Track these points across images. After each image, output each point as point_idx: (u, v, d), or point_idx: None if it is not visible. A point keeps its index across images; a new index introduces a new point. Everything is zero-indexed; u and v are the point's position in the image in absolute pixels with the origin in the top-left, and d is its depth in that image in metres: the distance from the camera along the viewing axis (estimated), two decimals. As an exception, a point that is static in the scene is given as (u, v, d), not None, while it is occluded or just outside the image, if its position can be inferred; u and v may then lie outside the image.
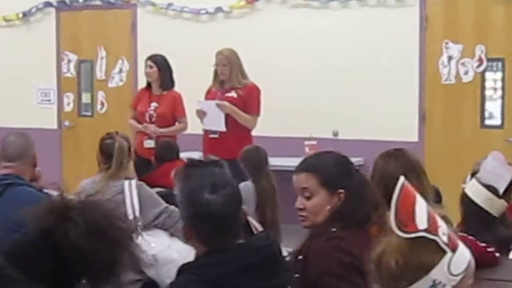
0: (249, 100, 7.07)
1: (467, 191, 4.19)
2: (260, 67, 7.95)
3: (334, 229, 2.89)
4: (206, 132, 7.19)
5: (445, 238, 1.78)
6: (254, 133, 7.33)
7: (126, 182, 4.49)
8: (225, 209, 2.50)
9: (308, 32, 8.09)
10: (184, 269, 2.55)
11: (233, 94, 7.03)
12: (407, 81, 7.73)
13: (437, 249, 1.78)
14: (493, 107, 7.60)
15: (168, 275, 3.98)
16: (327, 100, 8.03)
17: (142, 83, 7.76)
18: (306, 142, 7.67)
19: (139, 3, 8.88)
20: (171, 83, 7.37)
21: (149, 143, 7.05)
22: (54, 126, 9.45)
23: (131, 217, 4.34)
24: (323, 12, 8.05)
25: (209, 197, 2.48)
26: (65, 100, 9.43)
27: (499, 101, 7.55)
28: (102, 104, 9.13)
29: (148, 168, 7.22)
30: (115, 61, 9.03)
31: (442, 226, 1.81)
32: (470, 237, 3.79)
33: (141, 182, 4.73)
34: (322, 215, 2.97)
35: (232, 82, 7.04)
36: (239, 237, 2.55)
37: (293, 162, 8.02)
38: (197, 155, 7.50)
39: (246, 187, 5.83)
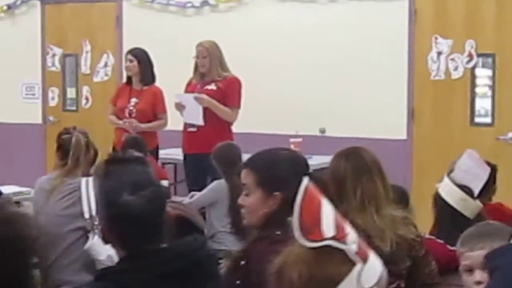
0: (229, 92, 7.03)
1: (440, 191, 4.08)
2: (246, 61, 7.90)
3: (278, 232, 2.75)
4: (186, 126, 7.14)
5: (354, 247, 1.61)
6: (237, 129, 7.26)
7: (84, 180, 4.31)
8: (146, 211, 2.30)
9: (296, 26, 7.97)
10: (101, 275, 2.38)
11: (212, 86, 7.00)
12: (395, 77, 7.58)
13: (345, 260, 1.61)
14: (483, 104, 7.43)
15: None
16: (314, 96, 7.90)
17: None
18: (292, 140, 7.49)
19: None
20: (152, 78, 7.29)
21: None
22: (39, 121, 9.35)
23: (87, 215, 4.19)
24: (311, 6, 7.90)
25: (128, 198, 2.29)
26: (50, 95, 9.32)
27: (490, 98, 7.37)
28: (87, 99, 9.01)
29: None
30: (100, 55, 8.92)
31: (351, 234, 1.64)
32: (439, 241, 3.73)
33: None
34: (256, 217, 2.89)
35: (212, 75, 7.00)
36: (162, 241, 2.37)
37: None
38: (178, 152, 7.49)
39: (220, 185, 5.71)
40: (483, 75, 7.40)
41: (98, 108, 8.81)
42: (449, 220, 3.99)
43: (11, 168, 8.64)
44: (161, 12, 8.62)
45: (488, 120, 7.39)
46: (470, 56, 7.33)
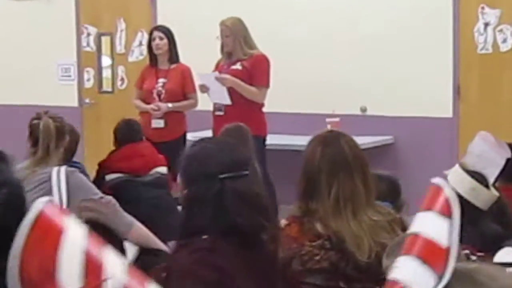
0: (255, 71, 6.84)
1: (449, 179, 3.52)
2: (279, 38, 7.77)
3: (205, 236, 2.52)
4: (214, 109, 7.00)
5: None
6: (271, 109, 7.08)
7: (55, 169, 4.12)
8: None
9: (333, 0, 7.76)
10: None
11: (238, 66, 6.86)
12: (439, 51, 7.33)
13: None
14: None
15: None
16: (354, 73, 7.69)
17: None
18: (328, 120, 7.29)
19: None
20: (177, 56, 7.15)
21: (158, 123, 6.89)
22: (75, 104, 9.29)
23: None
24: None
25: None
26: (86, 76, 9.26)
27: None
28: (122, 79, 8.87)
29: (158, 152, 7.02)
30: (135, 34, 8.79)
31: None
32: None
33: (73, 169, 4.32)
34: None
35: (237, 54, 6.85)
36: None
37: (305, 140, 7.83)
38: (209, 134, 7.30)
39: None
40: None
41: (133, 89, 8.67)
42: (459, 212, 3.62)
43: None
44: None
45: None
46: None
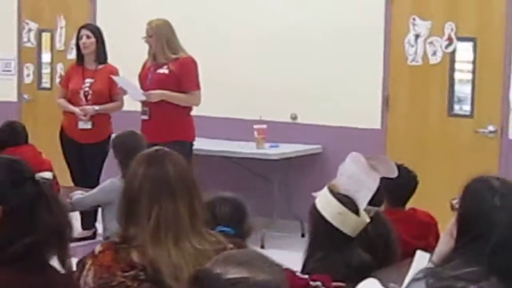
0: (182, 75, 6.72)
1: (317, 202, 3.53)
2: (210, 40, 7.74)
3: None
4: (141, 112, 6.90)
5: None
6: (198, 112, 7.04)
7: None
8: None
9: (264, 5, 7.73)
10: None
11: (164, 70, 6.74)
12: (370, 61, 7.33)
13: None
14: (463, 93, 7.06)
15: None
16: (284, 81, 7.67)
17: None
18: (255, 126, 7.35)
19: None
20: (105, 56, 7.09)
21: (85, 124, 6.86)
22: (14, 99, 9.27)
23: None
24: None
25: None
26: (25, 72, 9.23)
27: (469, 86, 7.00)
28: (61, 76, 8.80)
29: (80, 153, 6.94)
30: (74, 31, 8.67)
31: None
32: (289, 269, 3.10)
33: None
34: None
35: (159, 57, 6.71)
36: None
37: (241, 147, 7.79)
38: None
39: (113, 184, 5.42)
40: (463, 61, 7.02)
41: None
42: (325, 238, 3.46)
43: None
44: None
45: (467, 110, 7.01)
46: (450, 39, 7.00)
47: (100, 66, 7.01)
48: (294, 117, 7.65)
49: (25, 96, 9.16)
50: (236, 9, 7.85)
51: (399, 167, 4.22)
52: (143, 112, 6.82)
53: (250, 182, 7.40)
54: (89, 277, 2.69)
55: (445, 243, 2.64)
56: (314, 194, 3.64)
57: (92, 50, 7.01)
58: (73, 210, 5.40)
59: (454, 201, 2.78)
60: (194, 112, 6.96)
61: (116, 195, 5.21)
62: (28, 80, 9.21)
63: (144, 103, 6.79)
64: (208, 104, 7.22)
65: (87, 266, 2.72)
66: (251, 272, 1.78)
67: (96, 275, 2.69)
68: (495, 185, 2.46)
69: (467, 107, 7.00)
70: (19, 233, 2.31)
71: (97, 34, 7.07)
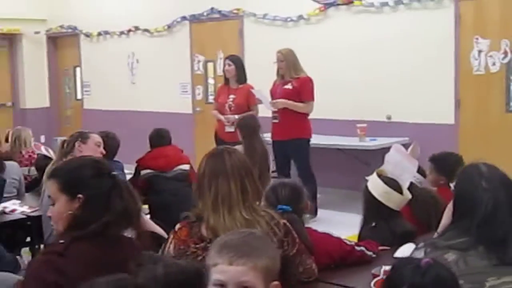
0: (302, 89, 6.94)
1: (368, 184, 3.59)
2: (325, 61, 7.96)
3: (62, 241, 2.32)
4: (272, 117, 7.13)
5: None
6: (315, 116, 7.23)
7: None
8: None
9: (362, 34, 7.87)
10: None
11: (288, 86, 6.97)
12: (445, 72, 7.23)
13: None
14: None
15: None
16: (381, 89, 7.71)
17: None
18: (358, 125, 7.48)
19: (244, 14, 8.94)
20: (245, 78, 7.30)
21: (230, 128, 7.08)
22: (190, 111, 9.78)
23: None
24: (376, 16, 7.76)
25: None
26: (197, 91, 9.71)
27: None
28: (218, 93, 9.35)
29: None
30: (229, 61, 9.20)
31: None
32: (335, 237, 3.25)
33: None
34: (61, 223, 2.40)
35: (287, 76, 6.96)
36: None
37: (347, 141, 7.88)
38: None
39: None
40: None
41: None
42: (375, 212, 3.50)
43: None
44: (269, 26, 8.73)
45: None
46: (505, 53, 6.87)
47: (240, 86, 7.18)
48: (389, 117, 7.67)
49: (197, 108, 9.59)
50: (341, 40, 7.99)
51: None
52: (274, 117, 7.05)
53: (355, 166, 7.47)
54: (170, 248, 2.67)
55: (446, 217, 2.64)
56: (366, 177, 3.67)
57: (233, 74, 7.18)
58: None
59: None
60: (314, 115, 7.13)
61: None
62: (199, 97, 9.64)
63: (274, 111, 7.03)
64: (323, 109, 7.48)
65: (169, 240, 2.71)
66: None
67: (175, 247, 2.67)
68: (483, 171, 2.38)
69: (521, 105, 6.79)
70: (96, 215, 2.34)
71: (236, 62, 7.24)
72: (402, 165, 3.74)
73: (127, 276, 1.76)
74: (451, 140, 7.18)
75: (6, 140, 6.67)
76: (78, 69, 11.55)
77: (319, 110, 7.28)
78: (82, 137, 4.22)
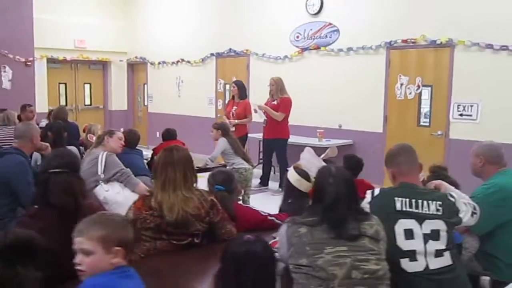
0: (281, 105, 6.87)
1: (288, 173, 3.43)
2: (301, 87, 7.69)
3: (36, 206, 2.30)
4: (263, 122, 7.09)
5: None
6: (293, 123, 7.09)
7: (101, 153, 3.77)
8: None
9: (320, 69, 7.67)
10: None
11: (275, 102, 6.90)
12: (378, 97, 7.09)
13: None
14: (425, 114, 6.73)
15: (115, 211, 3.23)
16: (336, 106, 7.53)
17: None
18: (318, 130, 7.36)
19: (250, 53, 8.76)
20: (245, 95, 7.26)
21: (232, 128, 6.84)
22: (213, 116, 9.45)
23: (99, 173, 3.62)
24: (336, 58, 7.57)
25: None
26: (218, 103, 9.41)
27: (428, 110, 6.67)
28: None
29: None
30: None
31: None
32: (253, 208, 3.10)
33: (110, 153, 3.79)
34: None
35: (275, 95, 6.89)
36: None
37: (304, 140, 7.60)
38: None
39: (224, 142, 5.35)
40: (425, 97, 6.70)
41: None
42: (291, 192, 3.30)
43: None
44: (266, 62, 8.45)
45: (427, 123, 6.69)
46: (418, 86, 6.70)
47: (241, 101, 7.16)
48: (340, 126, 7.47)
49: (218, 115, 9.25)
50: (312, 71, 7.74)
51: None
52: (264, 122, 7.02)
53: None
54: (130, 213, 2.57)
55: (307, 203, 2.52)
56: (288, 168, 3.50)
57: (236, 93, 7.14)
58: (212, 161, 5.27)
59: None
60: (291, 122, 6.97)
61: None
62: (219, 107, 9.36)
63: (264, 118, 6.96)
64: (297, 118, 7.30)
65: (131, 207, 2.60)
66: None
67: (134, 212, 2.56)
68: (332, 170, 2.28)
69: (427, 122, 6.66)
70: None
71: (239, 85, 7.17)
72: (311, 162, 3.57)
73: None
74: (380, 143, 7.06)
75: (84, 131, 6.62)
76: (145, 85, 11.55)
77: (295, 118, 7.18)
78: (110, 133, 4.06)
